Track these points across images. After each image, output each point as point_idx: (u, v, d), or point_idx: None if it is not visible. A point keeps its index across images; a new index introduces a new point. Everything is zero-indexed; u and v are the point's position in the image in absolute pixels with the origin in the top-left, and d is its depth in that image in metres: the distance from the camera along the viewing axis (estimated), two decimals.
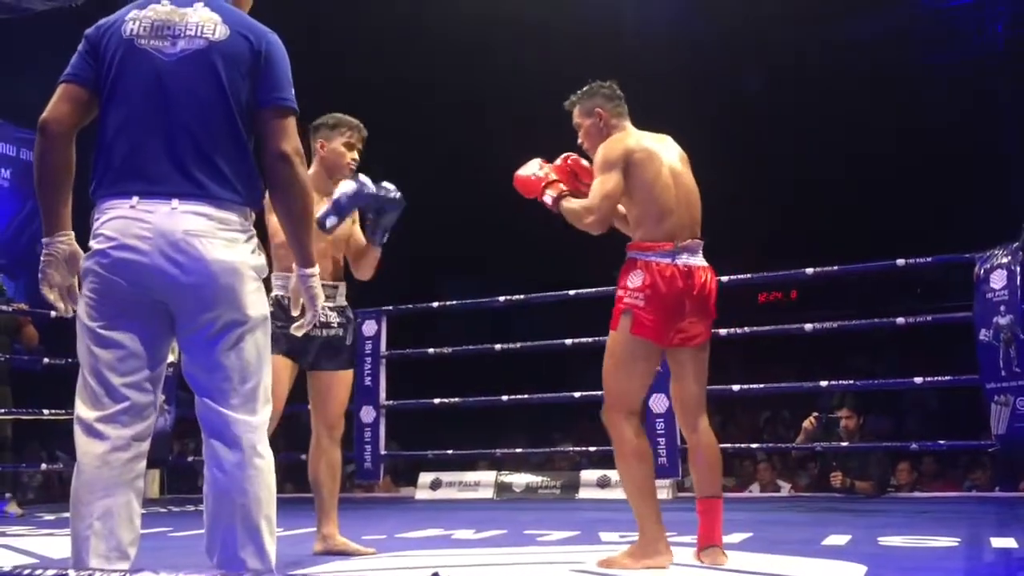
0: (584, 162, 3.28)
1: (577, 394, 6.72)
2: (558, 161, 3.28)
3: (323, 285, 2.45)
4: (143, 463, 2.10)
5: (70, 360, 6.91)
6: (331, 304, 3.47)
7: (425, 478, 6.83)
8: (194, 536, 4.19)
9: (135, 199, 2.05)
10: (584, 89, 3.24)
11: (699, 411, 3.09)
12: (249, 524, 2.04)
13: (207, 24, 2.12)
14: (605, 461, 6.89)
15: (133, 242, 2.03)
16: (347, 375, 3.59)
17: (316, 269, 2.25)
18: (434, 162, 10.62)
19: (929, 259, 5.93)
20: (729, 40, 9.85)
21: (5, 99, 10.19)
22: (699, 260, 3.04)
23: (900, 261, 5.73)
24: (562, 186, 3.19)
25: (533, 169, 3.23)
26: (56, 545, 3.86)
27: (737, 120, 10.29)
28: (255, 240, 2.16)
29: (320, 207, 3.24)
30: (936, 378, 5.84)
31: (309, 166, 3.42)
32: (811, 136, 10.61)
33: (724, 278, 6.29)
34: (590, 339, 6.67)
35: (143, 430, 2.09)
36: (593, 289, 6.66)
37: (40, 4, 4.86)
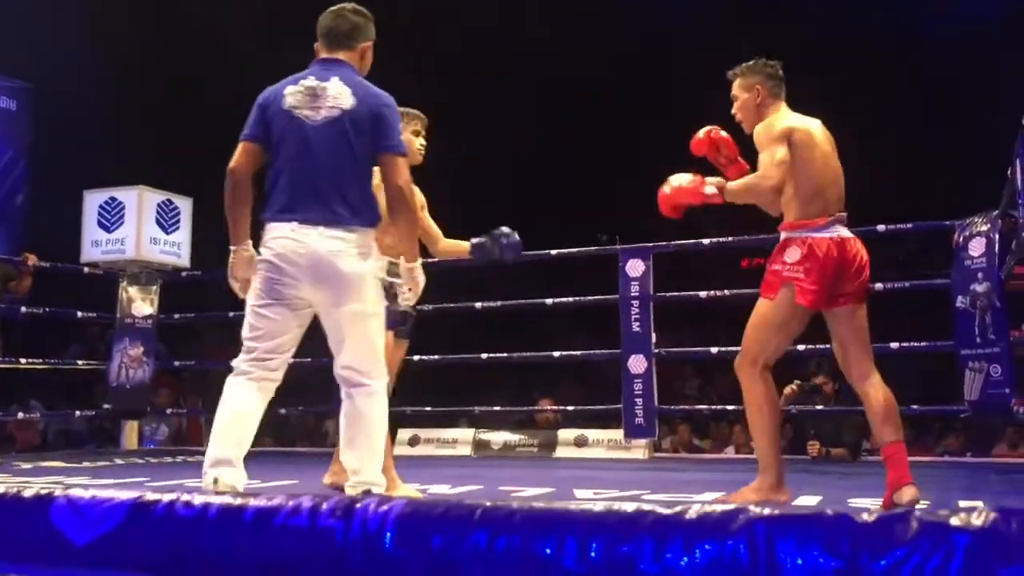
0: (724, 133, 3.50)
1: (556, 354, 6.75)
2: (700, 134, 3.50)
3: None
4: None
5: (47, 310, 6.87)
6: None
7: (403, 434, 6.85)
8: (171, 486, 4.20)
9: (294, 224, 2.88)
10: (749, 64, 3.45)
11: (863, 366, 3.36)
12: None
13: (342, 96, 2.91)
14: (581, 420, 6.94)
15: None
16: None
17: (417, 263, 3.08)
18: None
19: (909, 225, 5.95)
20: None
21: None
22: (847, 232, 3.31)
23: (880, 227, 5.72)
24: (716, 179, 3.42)
25: (682, 180, 3.42)
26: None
27: None
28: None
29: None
30: (912, 344, 5.87)
31: None
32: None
33: (705, 241, 6.33)
34: (570, 299, 6.70)
35: None
36: (575, 249, 6.68)
37: None
